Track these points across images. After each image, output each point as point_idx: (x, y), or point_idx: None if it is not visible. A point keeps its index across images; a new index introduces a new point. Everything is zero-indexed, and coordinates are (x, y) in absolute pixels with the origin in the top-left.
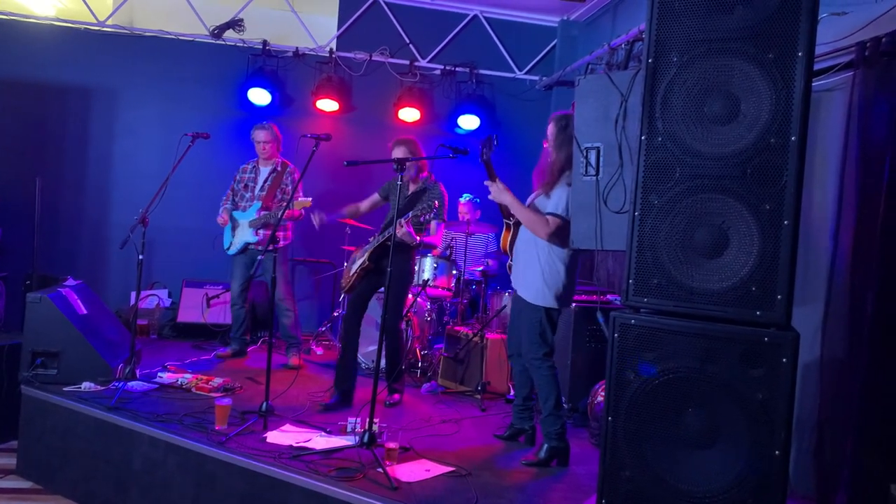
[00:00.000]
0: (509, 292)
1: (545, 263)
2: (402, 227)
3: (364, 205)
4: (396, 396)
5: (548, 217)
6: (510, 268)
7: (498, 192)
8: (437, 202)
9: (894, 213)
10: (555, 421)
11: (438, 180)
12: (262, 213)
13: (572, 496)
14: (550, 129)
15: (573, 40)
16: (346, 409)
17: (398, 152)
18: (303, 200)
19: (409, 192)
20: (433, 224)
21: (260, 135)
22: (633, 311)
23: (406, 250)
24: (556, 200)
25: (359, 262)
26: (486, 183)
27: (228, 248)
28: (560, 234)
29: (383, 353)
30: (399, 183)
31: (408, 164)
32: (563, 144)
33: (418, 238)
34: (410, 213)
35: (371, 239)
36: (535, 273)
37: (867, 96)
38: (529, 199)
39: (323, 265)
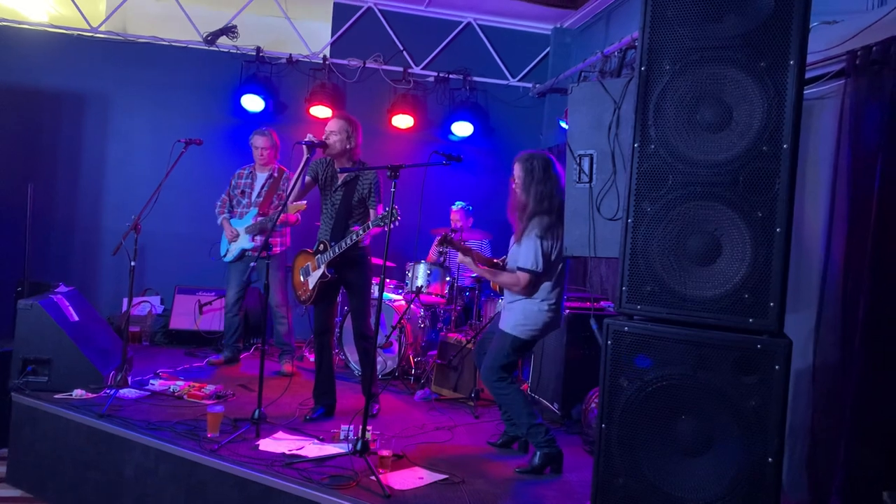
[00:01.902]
0: (502, 299)
1: (526, 301)
2: (368, 237)
3: (298, 194)
4: (376, 407)
5: (518, 274)
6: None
7: (469, 265)
8: (395, 208)
9: (885, 220)
10: (537, 432)
11: (365, 159)
12: (259, 218)
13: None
14: (516, 170)
15: (566, 48)
16: (330, 420)
17: (333, 125)
18: (297, 204)
19: (340, 181)
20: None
21: (259, 140)
22: (626, 319)
23: (362, 261)
24: (525, 252)
25: (317, 275)
26: (460, 260)
27: (225, 256)
28: (532, 287)
29: (377, 358)
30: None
31: (334, 139)
32: (531, 187)
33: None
34: (380, 222)
35: (321, 246)
36: (516, 307)
37: (858, 104)
38: (511, 244)
39: None
